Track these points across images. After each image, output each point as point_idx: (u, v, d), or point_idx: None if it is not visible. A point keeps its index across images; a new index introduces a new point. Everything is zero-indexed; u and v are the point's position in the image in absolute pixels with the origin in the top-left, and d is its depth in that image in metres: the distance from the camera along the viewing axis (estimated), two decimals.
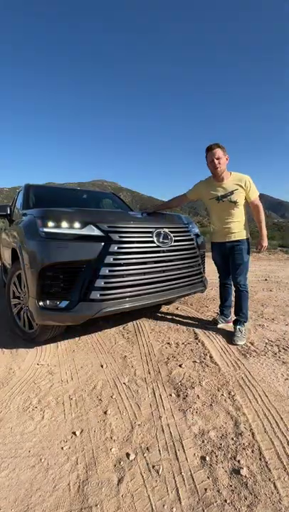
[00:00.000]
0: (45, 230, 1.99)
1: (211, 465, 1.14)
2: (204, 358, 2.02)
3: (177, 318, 2.92)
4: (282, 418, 1.38)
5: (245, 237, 2.37)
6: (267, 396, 1.56)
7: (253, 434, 1.29)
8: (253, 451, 1.19)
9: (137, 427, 1.37)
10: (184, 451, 1.21)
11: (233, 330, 2.40)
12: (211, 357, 2.04)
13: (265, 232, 2.35)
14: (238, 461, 1.15)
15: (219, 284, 2.67)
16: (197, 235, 2.75)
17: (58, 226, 2.01)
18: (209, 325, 2.64)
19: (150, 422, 1.40)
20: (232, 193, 2.28)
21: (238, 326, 2.36)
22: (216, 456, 1.18)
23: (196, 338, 2.38)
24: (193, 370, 1.87)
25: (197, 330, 2.55)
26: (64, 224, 2.02)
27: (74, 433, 1.34)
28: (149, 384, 1.73)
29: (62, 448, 1.25)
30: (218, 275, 2.67)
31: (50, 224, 2.02)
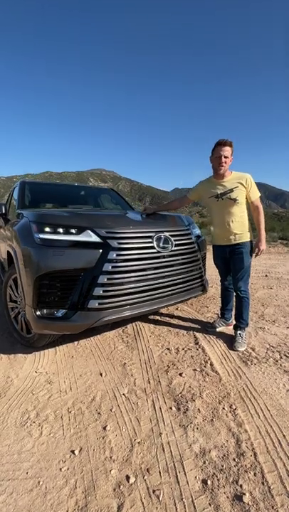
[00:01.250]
0: (41, 236, 1.92)
1: (212, 490, 1.12)
2: (205, 366, 1.99)
3: (177, 320, 2.88)
4: (284, 436, 1.35)
5: (247, 240, 2.29)
6: (269, 410, 1.53)
7: (255, 454, 1.27)
8: (255, 475, 1.17)
9: (137, 445, 1.34)
10: (184, 473, 1.19)
11: (233, 334, 2.37)
12: (211, 365, 2.01)
13: (263, 234, 2.27)
14: (240, 486, 1.13)
15: (221, 287, 2.62)
16: (198, 237, 2.67)
17: (54, 232, 1.93)
18: (209, 328, 2.60)
19: (150, 440, 1.37)
20: (232, 190, 2.20)
21: (238, 331, 2.33)
22: (218, 480, 1.16)
23: (197, 343, 2.35)
24: (194, 380, 1.84)
25: (197, 334, 2.52)
26: (60, 229, 1.94)
27: (73, 452, 1.31)
28: (149, 395, 1.70)
29: (60, 469, 1.23)
30: (219, 278, 2.61)
31: (46, 229, 1.94)
